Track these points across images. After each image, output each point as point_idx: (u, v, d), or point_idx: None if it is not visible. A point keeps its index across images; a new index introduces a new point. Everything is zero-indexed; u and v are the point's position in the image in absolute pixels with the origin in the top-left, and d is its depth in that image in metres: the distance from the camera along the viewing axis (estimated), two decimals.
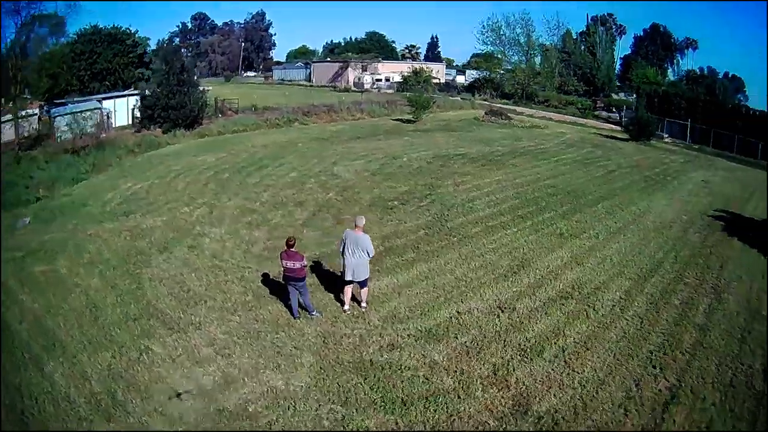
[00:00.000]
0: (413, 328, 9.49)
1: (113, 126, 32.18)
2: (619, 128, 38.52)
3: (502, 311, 10.11)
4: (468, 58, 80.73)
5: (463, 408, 7.40)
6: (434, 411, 7.33)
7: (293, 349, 8.75)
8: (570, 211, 16.51)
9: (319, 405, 7.40)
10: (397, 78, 58.27)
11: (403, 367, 8.32)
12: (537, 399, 7.61)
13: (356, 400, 7.53)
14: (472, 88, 52.95)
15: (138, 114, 31.73)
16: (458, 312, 10.08)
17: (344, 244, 9.76)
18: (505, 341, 9.09)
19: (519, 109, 44.84)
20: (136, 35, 48.54)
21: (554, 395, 7.68)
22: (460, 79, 65.52)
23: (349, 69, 61.87)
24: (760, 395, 7.63)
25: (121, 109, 33.98)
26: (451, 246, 13.36)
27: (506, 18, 52.78)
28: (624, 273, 11.89)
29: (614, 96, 52.44)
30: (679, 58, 73.80)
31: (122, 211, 16.06)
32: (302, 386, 7.81)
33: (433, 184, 18.94)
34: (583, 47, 51.10)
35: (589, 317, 9.93)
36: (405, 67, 61.45)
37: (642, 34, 74.75)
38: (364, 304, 10.17)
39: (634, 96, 46.98)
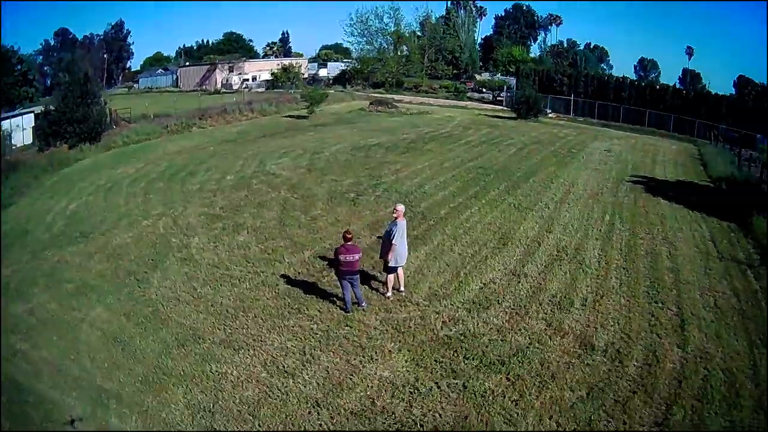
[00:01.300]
0: (458, 302, 10.32)
1: (14, 146, 29.04)
2: (499, 108, 42.02)
3: (518, 277, 11.42)
4: (317, 51, 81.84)
5: (546, 355, 8.50)
6: (529, 362, 8.31)
7: (371, 340, 8.99)
8: (510, 187, 18.43)
9: (435, 382, 7.89)
10: (265, 76, 57.69)
11: (477, 334, 9.14)
12: (593, 337, 9.01)
13: (462, 369, 8.19)
14: (342, 79, 53.74)
15: (41, 131, 29.34)
16: (484, 283, 11.13)
17: (395, 233, 10.15)
18: (539, 300, 10.37)
19: (397, 97, 46.61)
20: (19, 52, 46.44)
21: (601, 333, 9.15)
22: (323, 72, 66.32)
23: (217, 71, 59.38)
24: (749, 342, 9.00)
25: (19, 129, 30.80)
26: (434, 228, 14.30)
27: (375, 9, 53.90)
28: (589, 235, 13.97)
29: (477, 77, 56.18)
30: (543, 34, 79.35)
31: (76, 233, 14.35)
32: (408, 371, 8.19)
33: (372, 174, 19.64)
34: (443, 31, 53.78)
35: (586, 273, 11.65)
36: (270, 65, 60.69)
37: (503, 13, 78.49)
38: (402, 288, 10.70)
39: (499, 75, 51.10)
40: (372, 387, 7.82)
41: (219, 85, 57.73)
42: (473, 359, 8.45)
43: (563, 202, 16.82)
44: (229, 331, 9.32)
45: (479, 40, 69.37)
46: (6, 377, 8.26)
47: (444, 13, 54.77)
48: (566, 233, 14.04)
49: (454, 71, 54.27)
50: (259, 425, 7.02)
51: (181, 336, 9.14)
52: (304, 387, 7.79)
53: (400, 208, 10.48)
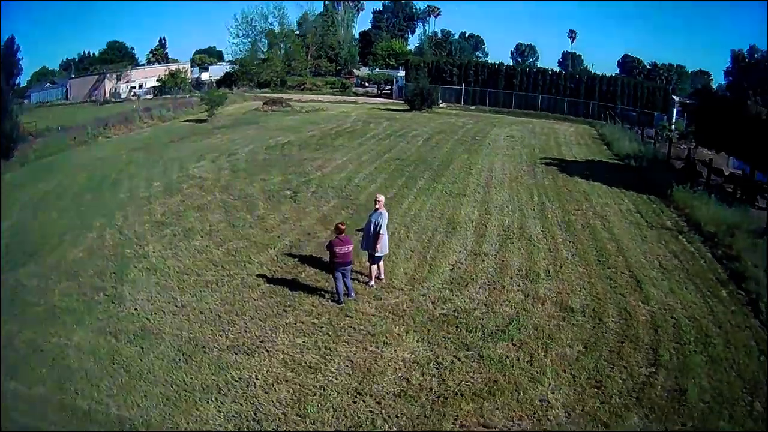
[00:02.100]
0: (437, 283, 10.99)
1: None
2: (389, 101, 43.05)
3: (480, 256, 12.41)
4: (191, 56, 79.39)
5: (536, 321, 9.48)
6: (524, 328, 9.23)
7: (376, 327, 9.28)
8: (435, 176, 19.53)
9: (453, 355, 8.47)
10: (151, 83, 55.06)
11: (467, 310, 9.88)
12: (569, 302, 10.16)
13: (470, 341, 8.86)
14: (228, 81, 51.95)
15: None
16: (452, 264, 11.93)
17: (381, 223, 10.48)
18: (508, 275, 11.41)
19: (285, 95, 46.15)
20: None
21: (574, 297, 10.41)
22: (205, 76, 64.06)
23: (106, 80, 55.05)
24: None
25: None
26: (390, 210, 14.77)
27: (260, 9, 52.55)
28: (526, 215, 15.44)
29: (356, 71, 57.17)
30: (422, 26, 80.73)
31: (20, 253, 12.83)
32: (424, 349, 8.65)
33: (297, 171, 19.74)
34: (322, 27, 53.79)
35: (539, 248, 12.95)
36: (155, 72, 57.67)
37: (382, 7, 79.33)
38: (382, 276, 11.09)
39: (377, 69, 52.04)
40: (401, 368, 8.18)
41: (108, 95, 54.10)
42: (475, 332, 9.18)
43: (489, 187, 18.28)
44: (232, 336, 9.03)
45: (356, 35, 70.15)
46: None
47: (322, 10, 54.75)
48: (505, 214, 15.38)
49: (338, 67, 54.75)
50: (312, 423, 7.02)
51: (184, 348, 8.64)
52: (336, 379, 7.91)
53: (381, 198, 10.89)
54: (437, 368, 8.20)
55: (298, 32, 54.74)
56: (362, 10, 77.48)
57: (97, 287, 10.82)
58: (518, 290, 10.74)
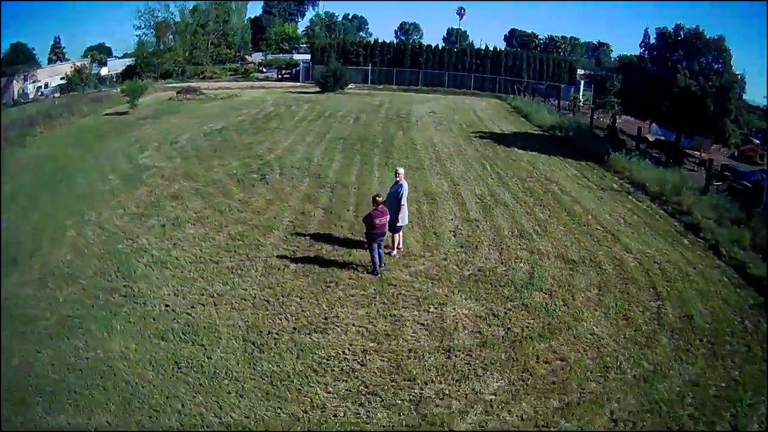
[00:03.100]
0: (450, 247, 11.87)
1: None
2: (298, 84, 42.34)
3: (472, 222, 13.51)
4: (82, 53, 72.48)
5: (551, 273, 10.77)
6: (547, 279, 10.51)
7: (422, 291, 9.92)
8: (385, 152, 20.19)
9: (503, 307, 9.46)
10: (56, 81, 49.16)
11: (490, 268, 10.89)
12: (568, 255, 11.63)
13: (510, 294, 9.90)
14: (131, 74, 47.99)
15: None
16: (452, 230, 12.86)
17: (403, 194, 11.01)
18: (506, 236, 12.62)
19: (193, 84, 43.58)
20: None
21: (570, 251, 11.93)
22: (104, 71, 58.96)
23: (14, 82, 48.22)
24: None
25: None
26: (364, 195, 15.16)
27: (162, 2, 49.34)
28: (489, 183, 16.77)
29: (248, 58, 55.73)
30: (312, 9, 79.01)
31: None
32: (477, 305, 9.52)
33: (249, 155, 19.29)
34: (219, 15, 51.64)
35: (518, 211, 14.23)
36: (58, 70, 51.39)
37: None
38: (401, 246, 11.73)
39: (270, 54, 51.16)
40: (467, 324, 8.97)
41: (16, 96, 47.59)
42: (508, 286, 10.27)
43: (441, 160, 19.43)
44: (292, 318, 9.03)
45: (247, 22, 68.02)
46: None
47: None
48: (471, 184, 16.63)
49: (236, 54, 53.09)
50: (424, 384, 7.52)
51: (249, 338, 8.48)
52: (418, 341, 8.46)
53: (401, 171, 11.46)
54: (496, 319, 9.15)
55: (190, 20, 51.93)
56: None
57: (106, 288, 9.97)
58: (521, 248, 12.02)
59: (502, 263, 11.27)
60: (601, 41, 64.55)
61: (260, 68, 50.00)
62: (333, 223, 13.13)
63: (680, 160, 21.10)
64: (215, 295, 9.72)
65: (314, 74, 42.25)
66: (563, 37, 60.29)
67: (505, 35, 76.86)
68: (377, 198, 10.40)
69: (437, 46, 46.41)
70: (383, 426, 6.76)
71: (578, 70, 47.93)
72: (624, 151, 19.89)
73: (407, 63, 44.06)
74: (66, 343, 8.35)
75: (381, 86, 42.36)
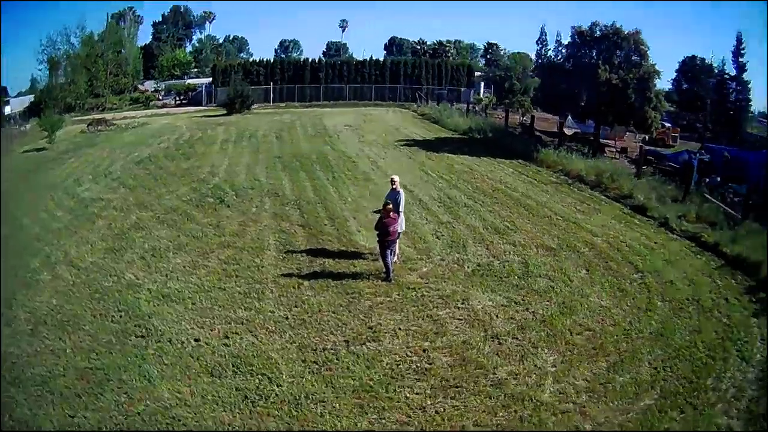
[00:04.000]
0: (440, 249, 12.51)
1: None
2: (201, 108, 40.39)
3: (446, 224, 14.27)
4: None
5: (541, 260, 11.89)
6: (544, 265, 11.56)
7: (439, 291, 10.44)
8: (325, 168, 20.31)
9: (520, 296, 10.32)
10: None
11: (488, 264, 11.72)
12: (545, 243, 12.98)
13: (517, 283, 10.80)
14: (36, 110, 42.35)
15: None
16: (434, 233, 13.54)
17: (401, 202, 11.42)
18: (483, 233, 13.61)
19: (98, 116, 39.44)
20: None
21: (545, 239, 13.20)
22: (7, 110, 51.19)
23: None
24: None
25: None
26: (337, 210, 15.46)
27: (64, 30, 44.67)
28: (440, 187, 17.67)
29: (140, 87, 52.55)
30: (199, 32, 75.58)
31: None
32: (497, 296, 10.26)
33: (193, 179, 18.71)
34: (114, 44, 48.12)
35: (480, 210, 15.22)
36: None
37: (161, 18, 74.92)
38: (398, 252, 12.14)
39: (162, 82, 49.02)
40: (497, 313, 9.65)
41: None
42: (512, 277, 11.14)
43: (383, 170, 19.77)
44: (339, 331, 9.05)
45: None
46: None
47: (106, 27, 48.66)
48: (425, 190, 17.37)
49: (132, 83, 49.86)
50: (506, 366, 8.12)
51: (312, 357, 8.38)
52: (467, 334, 8.98)
53: (397, 178, 11.94)
54: (519, 305, 9.98)
55: (96, 53, 48.00)
56: (141, 23, 70.12)
57: (116, 332, 9.10)
58: (503, 243, 13.03)
59: (494, 257, 12.17)
60: (490, 41, 69.37)
61: (157, 96, 47.41)
62: (318, 239, 13.14)
63: (601, 150, 23.78)
64: (244, 322, 9.36)
65: (217, 97, 41.22)
66: (448, 41, 63.73)
67: (385, 44, 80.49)
68: (387, 206, 10.74)
69: (336, 60, 46.89)
70: (488, 410, 7.18)
71: (475, 72, 50.48)
72: (547, 147, 22.06)
73: (307, 79, 44.23)
74: (103, 400, 7.47)
75: (284, 104, 41.99)
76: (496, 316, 9.62)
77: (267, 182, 18.04)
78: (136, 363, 8.23)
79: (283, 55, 73.18)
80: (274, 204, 15.72)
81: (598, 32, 23.29)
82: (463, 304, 10.02)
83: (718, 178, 18.08)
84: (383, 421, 7.02)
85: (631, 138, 27.72)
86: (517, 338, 8.93)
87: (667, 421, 7.12)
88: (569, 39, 24.59)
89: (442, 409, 7.22)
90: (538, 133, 26.00)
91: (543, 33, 33.36)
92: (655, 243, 13.07)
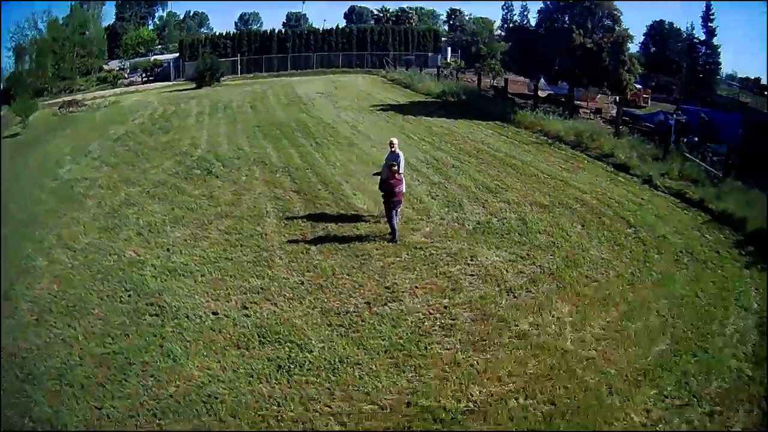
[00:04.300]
0: (438, 208, 12.65)
1: None
2: (170, 83, 38.94)
3: (438, 185, 14.31)
4: None
5: (539, 217, 12.18)
6: (536, 222, 11.84)
7: (448, 249, 10.62)
8: (307, 135, 19.97)
9: (525, 251, 10.60)
10: None
11: (487, 221, 11.92)
12: (538, 200, 13.32)
13: (519, 239, 11.06)
14: (6, 98, 39.37)
15: None
16: (428, 193, 13.63)
17: (400, 163, 11.24)
18: (477, 193, 13.77)
19: (68, 98, 36.74)
20: None
21: (536, 197, 13.54)
22: None
23: None
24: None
25: None
26: (330, 176, 15.30)
27: (32, 15, 42.05)
28: (425, 149, 17.66)
29: (105, 67, 49.89)
30: (162, 10, 72.75)
31: None
32: (503, 252, 10.54)
33: (176, 153, 18.06)
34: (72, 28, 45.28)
35: (467, 170, 15.39)
36: None
37: None
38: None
39: (124, 61, 47.76)
40: (506, 268, 9.89)
41: None
42: (513, 233, 11.38)
43: (364, 134, 19.84)
44: (358, 293, 9.14)
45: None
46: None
47: (70, 10, 45.92)
48: (409, 152, 16.80)
49: (99, 64, 47.55)
50: (533, 320, 8.46)
51: (337, 320, 8.49)
52: (482, 289, 9.21)
53: (395, 140, 11.85)
54: (525, 260, 10.27)
55: (45, 36, 45.26)
56: (104, 4, 65.85)
57: (128, 312, 8.79)
58: (497, 201, 13.24)
59: (492, 215, 12.40)
60: (453, 8, 69.33)
61: (123, 74, 45.58)
62: (315, 203, 13.05)
63: (576, 111, 24.22)
64: (259, 291, 9.29)
65: (185, 71, 40.06)
66: (410, 8, 63.26)
67: (345, 13, 78.74)
68: (393, 167, 10.73)
69: (303, 30, 46.07)
70: (519, 361, 7.49)
71: (441, 37, 50.30)
72: (523, 109, 22.33)
73: (274, 49, 43.26)
74: (129, 386, 7.20)
75: (251, 75, 40.91)
76: (506, 270, 9.89)
77: (251, 151, 17.61)
78: (156, 343, 8.02)
79: (243, 28, 70.83)
80: (263, 172, 15.42)
81: None
82: (472, 260, 10.24)
83: (696, 138, 18.77)
84: (421, 378, 7.20)
85: (603, 99, 28.31)
86: (530, 291, 9.25)
87: (683, 363, 7.58)
88: (542, 4, 24.91)
89: (475, 362, 7.46)
90: (510, 96, 26.19)
91: None
92: (642, 199, 13.56)
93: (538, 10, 25.89)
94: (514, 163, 16.35)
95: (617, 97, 24.76)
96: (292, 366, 7.44)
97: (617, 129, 19.12)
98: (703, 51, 38.54)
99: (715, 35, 38.52)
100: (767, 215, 11.34)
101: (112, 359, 7.73)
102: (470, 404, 6.77)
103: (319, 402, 6.84)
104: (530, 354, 7.67)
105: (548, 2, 24.56)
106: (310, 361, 7.51)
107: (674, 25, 45.47)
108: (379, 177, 11.81)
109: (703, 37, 38.77)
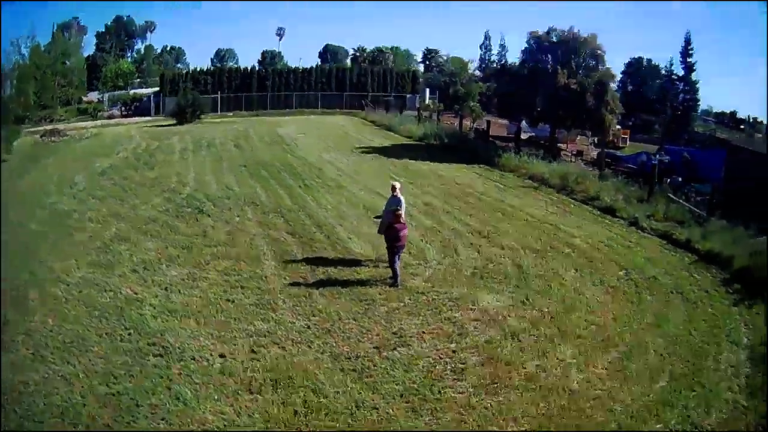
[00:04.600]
0: (433, 253, 12.92)
1: None
2: (149, 118, 38.74)
3: (431, 228, 14.66)
4: None
5: (531, 261, 12.65)
6: (535, 265, 12.28)
7: (448, 294, 10.75)
8: (293, 175, 20.27)
9: (523, 295, 10.88)
10: None
11: (483, 266, 12.25)
12: (530, 244, 13.78)
13: (515, 284, 11.43)
14: None
15: None
16: (422, 237, 13.86)
17: (402, 208, 11.48)
18: (471, 238, 14.11)
19: (49, 127, 36.13)
20: None
21: (529, 240, 14.00)
22: None
23: None
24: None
25: None
26: (309, 217, 15.46)
27: (16, 41, 41.31)
28: (414, 193, 17.86)
29: (84, 98, 49.41)
30: (141, 42, 73.70)
31: None
32: (505, 292, 10.84)
33: (164, 190, 17.96)
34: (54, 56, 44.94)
35: (457, 215, 15.72)
36: None
37: (104, 29, 73.27)
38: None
39: (105, 92, 47.50)
40: (511, 312, 10.11)
41: None
42: (511, 278, 11.65)
43: (351, 176, 20.18)
44: (366, 338, 9.10)
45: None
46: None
47: (51, 39, 45.85)
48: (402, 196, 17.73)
49: (78, 95, 47.30)
50: (541, 363, 8.61)
51: (348, 365, 8.50)
52: (492, 333, 9.37)
53: (398, 185, 12.17)
54: (526, 305, 10.46)
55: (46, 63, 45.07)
56: (86, 34, 66.33)
57: (130, 351, 8.53)
58: (491, 246, 13.50)
59: (488, 260, 12.64)
60: (429, 47, 70.67)
61: (104, 106, 45.51)
62: (312, 247, 13.09)
63: (558, 154, 24.97)
64: (266, 335, 9.17)
65: (166, 107, 39.80)
66: (386, 47, 64.59)
67: (320, 51, 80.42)
68: (398, 212, 10.95)
69: (282, 68, 46.80)
70: (530, 402, 7.61)
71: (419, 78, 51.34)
72: (506, 151, 23.06)
73: (254, 87, 43.59)
74: (138, 427, 6.97)
75: (231, 113, 41.02)
76: (508, 315, 10.08)
77: (240, 191, 17.66)
78: (163, 384, 7.80)
79: (218, 64, 71.78)
80: (255, 212, 15.45)
81: (554, 37, 24.38)
82: (473, 305, 10.39)
83: (680, 179, 19.57)
84: (439, 421, 7.21)
85: (583, 141, 29.27)
86: (533, 335, 9.44)
87: (683, 398, 7.87)
88: (526, 44, 25.64)
89: (489, 405, 7.52)
90: (492, 138, 26.99)
91: (487, 38, 34.40)
92: (630, 242, 14.15)
93: (522, 51, 26.67)
94: (502, 208, 16.85)
95: (595, 139, 25.61)
96: (308, 411, 7.32)
97: (601, 171, 19.89)
98: (681, 87, 39.25)
99: (694, 70, 39.35)
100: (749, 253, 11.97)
101: (117, 399, 7.45)
102: None
103: None
104: (540, 396, 7.79)
105: (532, 43, 25.16)
106: (326, 406, 7.42)
107: (652, 62, 46.71)
108: (380, 221, 12.09)
109: (681, 73, 39.66)
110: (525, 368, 8.45)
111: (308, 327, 9.42)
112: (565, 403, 7.65)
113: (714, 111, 50.35)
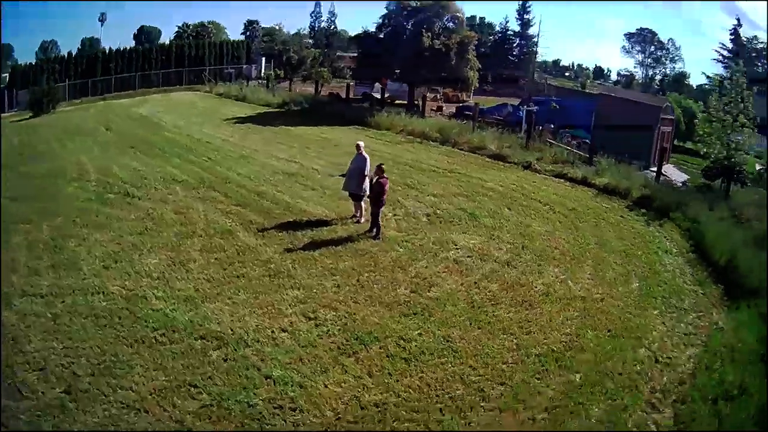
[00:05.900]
0: (405, 210, 13.77)
1: None
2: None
3: (410, 186, 15.12)
4: None
5: (472, 204, 14.33)
6: (482, 209, 13.92)
7: (425, 239, 11.78)
8: (180, 153, 18.81)
9: (483, 230, 12.49)
10: None
11: (436, 214, 13.57)
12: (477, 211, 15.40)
13: (470, 224, 12.98)
14: None
15: None
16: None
17: (366, 166, 12.08)
18: (399, 189, 15.20)
19: None
20: None
21: (454, 193, 15.56)
22: None
23: None
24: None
25: None
26: (223, 187, 14.80)
27: None
28: (309, 157, 18.27)
29: None
30: None
31: None
32: (482, 239, 12.11)
33: (68, 179, 15.71)
34: None
35: (421, 177, 16.47)
36: None
37: None
38: (364, 213, 12.72)
39: None
40: (490, 247, 11.58)
41: None
42: (464, 220, 13.01)
43: (250, 149, 19.47)
44: (403, 282, 9.74)
45: None
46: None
47: None
48: (310, 160, 17.79)
49: None
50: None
51: (403, 310, 8.96)
52: (490, 266, 10.71)
53: (362, 143, 12.59)
54: (496, 240, 12.04)
55: None
56: None
57: (186, 354, 7.63)
58: (425, 195, 14.63)
59: (432, 207, 13.73)
60: (250, 19, 67.86)
61: None
62: (270, 214, 12.78)
63: (423, 110, 26.50)
64: (307, 300, 9.06)
65: (19, 100, 35.36)
66: (209, 22, 60.06)
67: (134, 34, 74.31)
68: (382, 166, 11.45)
69: (125, 49, 43.11)
70: (551, 311, 9.23)
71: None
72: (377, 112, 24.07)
73: (99, 72, 39.92)
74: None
75: (79, 100, 36.27)
76: (489, 249, 11.52)
77: (149, 170, 15.98)
78: (256, 375, 7.18)
79: (43, 56, 58.96)
80: (184, 189, 14.19)
81: (416, 2, 26.03)
82: (456, 245, 11.58)
83: (552, 125, 22.47)
84: (516, 337, 8.41)
85: (431, 98, 31.98)
86: (521, 262, 11.06)
87: (654, 293, 10.13)
88: (386, 9, 26.98)
89: (533, 318, 8.96)
90: (351, 100, 27.92)
91: (317, 6, 35.11)
92: (534, 182, 16.55)
93: (381, 16, 27.94)
94: (406, 161, 17.95)
95: (440, 94, 28.32)
96: (411, 357, 7.71)
97: (476, 123, 22.07)
98: (517, 42, 45.81)
99: (531, 25, 46.82)
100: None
101: (227, 411, 6.54)
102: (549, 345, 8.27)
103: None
104: (562, 305, 9.43)
105: (391, 8, 26.50)
106: (421, 351, 7.86)
107: (485, 20, 53.34)
108: (344, 179, 12.41)
109: (517, 29, 46.61)
110: (535, 287, 10.05)
111: (338, 285, 9.59)
112: (582, 306, 9.46)
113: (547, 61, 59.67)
